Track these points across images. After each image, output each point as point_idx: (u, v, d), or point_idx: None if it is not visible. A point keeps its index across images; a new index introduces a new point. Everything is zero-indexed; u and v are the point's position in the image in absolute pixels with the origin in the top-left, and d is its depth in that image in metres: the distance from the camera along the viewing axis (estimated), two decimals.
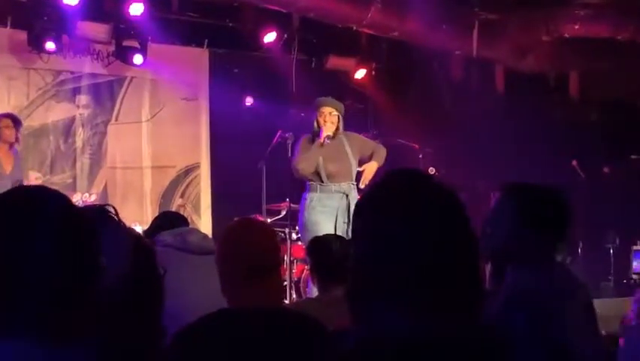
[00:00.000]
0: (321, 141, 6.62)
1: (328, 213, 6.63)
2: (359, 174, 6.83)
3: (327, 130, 6.66)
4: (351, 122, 7.10)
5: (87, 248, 1.40)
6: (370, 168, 6.77)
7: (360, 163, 6.84)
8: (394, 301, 1.41)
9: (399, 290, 1.41)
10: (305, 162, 6.63)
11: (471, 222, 1.48)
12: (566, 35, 8.89)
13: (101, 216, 1.64)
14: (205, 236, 3.54)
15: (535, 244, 2.54)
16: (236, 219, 2.94)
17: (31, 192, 1.47)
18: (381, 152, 6.90)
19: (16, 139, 7.64)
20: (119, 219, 1.70)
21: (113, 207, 1.70)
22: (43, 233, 1.36)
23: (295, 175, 6.78)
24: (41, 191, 1.47)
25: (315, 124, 6.74)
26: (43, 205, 1.40)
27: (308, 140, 6.76)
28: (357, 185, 6.78)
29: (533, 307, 2.42)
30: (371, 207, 1.49)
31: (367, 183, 6.72)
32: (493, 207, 2.64)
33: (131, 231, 1.81)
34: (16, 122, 7.64)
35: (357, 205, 1.56)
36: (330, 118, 6.72)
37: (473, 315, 1.44)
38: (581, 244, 8.57)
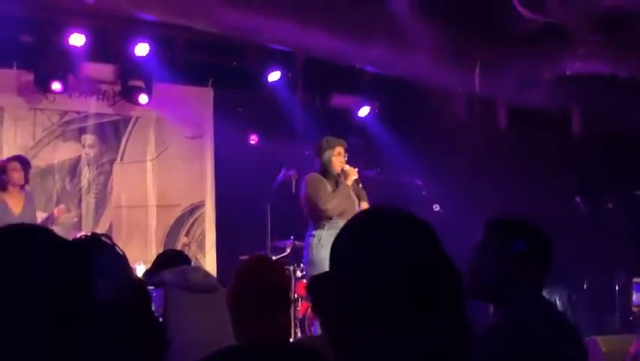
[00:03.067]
0: (349, 184, 6.73)
1: None
2: None
3: (354, 174, 6.79)
4: (355, 160, 7.15)
5: (77, 280, 1.41)
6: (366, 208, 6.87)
7: None
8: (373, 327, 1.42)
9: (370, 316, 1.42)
10: (333, 202, 6.68)
11: (444, 254, 1.48)
12: (568, 72, 8.93)
13: (94, 245, 1.66)
14: (207, 274, 3.55)
15: (515, 279, 2.55)
16: (246, 257, 2.95)
17: (13, 229, 1.49)
18: (366, 199, 6.99)
19: (26, 181, 7.71)
20: (114, 246, 1.71)
21: (108, 236, 1.72)
22: (32, 267, 1.38)
23: (314, 214, 6.78)
24: (24, 227, 1.49)
25: (330, 165, 6.81)
26: (29, 240, 1.42)
27: (319, 178, 6.81)
28: None
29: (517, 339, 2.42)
30: (339, 238, 1.51)
31: None
32: (476, 243, 2.66)
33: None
34: (24, 164, 7.71)
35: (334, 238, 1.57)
36: (343, 158, 6.84)
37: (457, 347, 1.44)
38: (586, 280, 8.54)
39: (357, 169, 6.92)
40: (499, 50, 8.98)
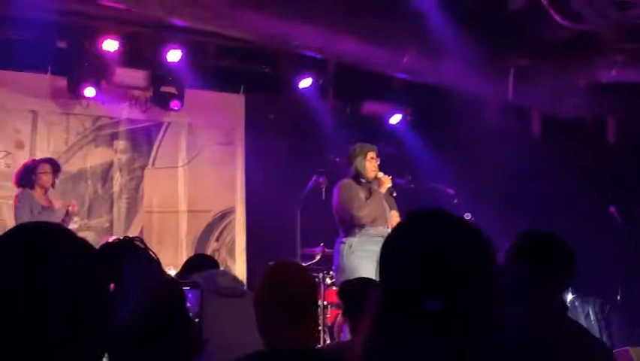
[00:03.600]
0: (383, 191, 6.72)
1: (369, 258, 6.62)
2: None
3: (388, 183, 6.79)
4: (386, 168, 7.13)
5: (100, 281, 1.40)
6: (396, 218, 6.86)
7: None
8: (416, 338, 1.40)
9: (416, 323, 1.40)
10: (366, 210, 6.67)
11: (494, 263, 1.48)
12: (602, 81, 8.85)
13: (126, 248, 1.65)
14: (235, 278, 3.54)
15: (530, 285, 2.57)
16: (273, 262, 2.94)
17: (38, 228, 1.48)
18: (395, 208, 6.98)
19: (52, 184, 7.77)
20: (146, 249, 1.70)
21: (140, 239, 1.71)
22: (55, 268, 1.36)
23: (347, 221, 6.77)
24: (49, 226, 1.48)
25: (365, 170, 6.81)
26: (53, 240, 1.41)
27: (352, 185, 6.80)
28: None
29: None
30: (392, 247, 1.49)
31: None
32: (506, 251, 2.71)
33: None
34: (54, 167, 7.77)
35: (381, 248, 1.56)
36: (376, 163, 6.84)
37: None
38: (619, 291, 8.43)
39: (391, 177, 6.91)
40: (533, 58, 8.92)
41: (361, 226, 6.69)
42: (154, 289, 1.63)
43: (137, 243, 1.70)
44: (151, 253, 1.71)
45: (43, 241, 1.41)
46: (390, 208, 6.96)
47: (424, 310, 1.39)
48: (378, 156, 6.95)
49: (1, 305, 1.34)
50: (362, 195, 6.76)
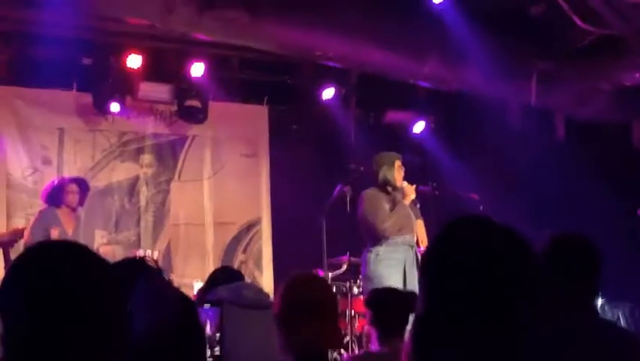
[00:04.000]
0: (407, 202, 6.75)
1: (396, 266, 6.64)
2: None
3: (412, 194, 6.78)
4: (410, 176, 7.13)
5: (112, 301, 1.42)
6: (421, 227, 6.87)
7: None
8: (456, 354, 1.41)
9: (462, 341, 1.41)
10: (390, 221, 6.68)
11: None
12: (627, 84, 8.79)
13: (137, 267, 1.67)
14: (260, 290, 3.57)
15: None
16: (291, 275, 2.97)
17: (51, 247, 1.51)
18: (420, 217, 7.01)
19: (80, 203, 7.83)
20: (158, 269, 1.73)
21: (152, 258, 1.74)
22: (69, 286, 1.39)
23: (371, 231, 6.78)
24: (62, 246, 1.50)
25: (392, 178, 6.82)
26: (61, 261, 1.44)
27: (377, 194, 6.81)
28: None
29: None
30: (440, 260, 1.48)
31: (425, 242, 6.80)
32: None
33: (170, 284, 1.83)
34: (82, 187, 7.84)
35: (424, 259, 1.56)
36: (402, 171, 6.85)
37: None
38: None
39: (414, 186, 6.90)
40: (556, 61, 8.88)
41: (387, 236, 6.70)
42: (167, 306, 1.65)
43: (149, 261, 1.72)
44: (162, 272, 1.73)
45: (61, 257, 1.44)
46: (416, 217, 6.96)
47: (475, 322, 1.39)
48: (403, 165, 6.97)
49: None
50: (386, 205, 6.77)
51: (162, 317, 1.56)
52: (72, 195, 7.71)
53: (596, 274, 2.65)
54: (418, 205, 7.04)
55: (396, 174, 6.86)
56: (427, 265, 1.50)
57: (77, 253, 1.46)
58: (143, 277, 1.51)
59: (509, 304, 1.41)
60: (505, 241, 1.47)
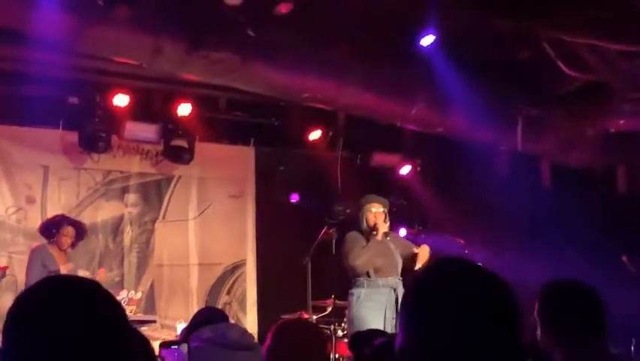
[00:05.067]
0: (379, 238, 6.75)
1: (377, 308, 6.64)
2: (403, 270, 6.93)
3: (383, 228, 6.80)
4: (396, 219, 7.15)
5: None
6: (425, 251, 6.87)
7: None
8: None
9: None
10: (362, 259, 6.72)
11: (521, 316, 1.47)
12: (611, 130, 8.86)
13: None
14: (244, 331, 3.52)
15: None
16: (287, 316, 2.95)
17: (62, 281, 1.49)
18: (416, 246, 6.96)
19: (72, 246, 7.80)
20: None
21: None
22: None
23: (350, 272, 6.83)
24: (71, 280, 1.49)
25: (364, 221, 6.87)
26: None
27: (357, 236, 6.86)
28: (402, 280, 6.84)
29: None
30: (418, 293, 1.48)
31: (423, 263, 6.81)
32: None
33: None
34: (79, 233, 7.80)
35: (405, 293, 1.55)
36: (380, 216, 6.86)
37: None
38: (633, 341, 8.33)
39: (387, 223, 6.92)
40: (542, 107, 8.94)
41: (368, 277, 6.74)
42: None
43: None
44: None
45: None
46: (408, 250, 6.96)
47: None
48: (389, 210, 7.00)
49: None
50: (363, 244, 6.82)
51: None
52: (65, 239, 7.69)
53: (604, 320, 2.66)
54: (388, 238, 6.99)
55: (369, 215, 6.89)
56: (411, 301, 1.50)
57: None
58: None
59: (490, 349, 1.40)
60: (482, 284, 1.46)
